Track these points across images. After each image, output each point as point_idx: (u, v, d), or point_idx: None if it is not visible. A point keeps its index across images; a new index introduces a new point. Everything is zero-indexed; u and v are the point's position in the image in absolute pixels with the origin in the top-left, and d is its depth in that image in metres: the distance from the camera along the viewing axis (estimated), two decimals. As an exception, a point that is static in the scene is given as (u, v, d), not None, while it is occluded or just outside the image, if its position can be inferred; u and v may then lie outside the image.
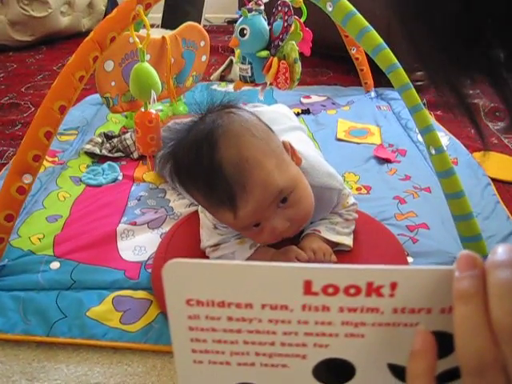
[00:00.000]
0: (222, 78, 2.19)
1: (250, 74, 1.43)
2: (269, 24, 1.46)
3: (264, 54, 1.36)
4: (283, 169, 0.81)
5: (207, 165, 0.76)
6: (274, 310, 0.38)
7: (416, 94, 0.99)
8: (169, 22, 2.57)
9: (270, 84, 1.39)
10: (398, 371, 0.41)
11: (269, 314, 0.39)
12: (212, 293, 0.38)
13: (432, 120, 1.16)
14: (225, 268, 0.37)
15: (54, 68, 2.50)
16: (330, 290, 0.37)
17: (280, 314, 0.39)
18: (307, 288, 0.37)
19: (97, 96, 1.72)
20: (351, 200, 0.99)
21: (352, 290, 0.37)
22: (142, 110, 1.18)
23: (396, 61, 1.01)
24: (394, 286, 0.37)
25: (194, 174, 0.78)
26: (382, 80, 2.01)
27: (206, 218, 0.94)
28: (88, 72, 0.98)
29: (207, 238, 0.94)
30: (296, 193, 0.81)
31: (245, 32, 1.38)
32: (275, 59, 1.34)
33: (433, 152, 0.97)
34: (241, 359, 0.42)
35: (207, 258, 0.94)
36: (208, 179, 0.77)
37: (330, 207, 0.95)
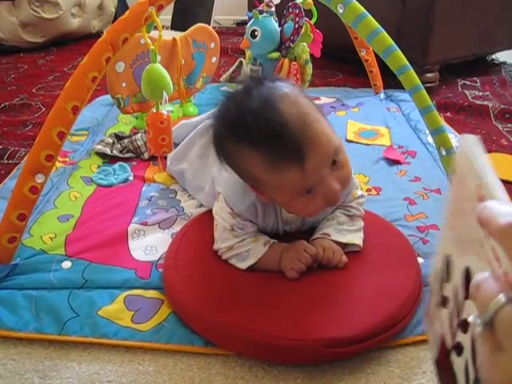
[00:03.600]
0: (232, 80, 2.19)
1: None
2: (280, 26, 1.47)
3: (275, 55, 1.37)
4: (332, 129, 0.85)
5: (275, 121, 0.78)
6: None
7: (427, 95, 0.99)
8: (178, 24, 2.58)
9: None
10: None
11: None
12: None
13: (442, 121, 1.16)
14: None
15: (65, 69, 2.52)
16: None
17: None
18: None
19: (108, 97, 1.73)
20: (359, 192, 1.01)
21: None
22: (154, 110, 1.18)
23: (407, 62, 1.02)
24: None
25: (263, 130, 0.79)
26: (391, 82, 2.01)
27: (222, 220, 0.94)
28: (100, 73, 0.98)
29: (222, 240, 0.94)
30: (342, 155, 0.85)
31: (256, 33, 1.39)
32: (286, 60, 1.34)
33: (443, 153, 0.98)
34: None
35: (218, 257, 0.94)
36: (277, 134, 0.78)
37: (344, 195, 0.96)
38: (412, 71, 1.00)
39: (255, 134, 0.80)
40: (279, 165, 0.80)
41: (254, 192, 0.91)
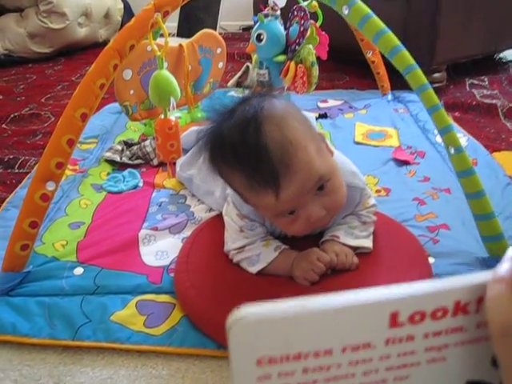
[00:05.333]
0: (239, 85, 2.20)
1: (267, 79, 1.44)
2: (285, 29, 1.47)
3: (281, 58, 1.37)
4: (322, 156, 0.82)
5: (253, 145, 0.76)
6: (356, 352, 0.36)
7: (434, 94, 0.99)
8: (184, 30, 2.60)
9: (288, 88, 1.40)
10: None
11: (349, 356, 0.36)
12: (287, 346, 0.35)
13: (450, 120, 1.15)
14: (303, 316, 0.34)
15: (73, 79, 2.54)
16: (417, 318, 0.35)
17: (361, 354, 0.36)
18: (393, 320, 0.35)
19: (116, 105, 1.74)
20: (372, 201, 0.99)
21: (439, 313, 0.35)
22: (162, 117, 1.19)
23: (413, 62, 1.01)
24: (480, 300, 0.36)
25: (240, 153, 0.78)
26: (398, 83, 2.00)
27: (231, 221, 0.95)
28: (108, 80, 0.99)
29: (232, 241, 0.94)
30: (332, 181, 0.82)
31: (261, 37, 1.39)
32: (292, 63, 1.35)
33: (452, 152, 0.97)
34: None
35: (229, 261, 0.95)
36: (253, 159, 0.76)
37: (353, 206, 0.96)
38: (419, 70, 1.00)
39: (232, 156, 0.80)
40: (255, 189, 0.79)
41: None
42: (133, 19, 1.02)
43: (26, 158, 1.59)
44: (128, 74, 1.46)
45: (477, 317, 0.36)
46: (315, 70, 1.33)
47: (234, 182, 0.85)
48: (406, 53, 1.01)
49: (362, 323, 0.35)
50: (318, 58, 1.46)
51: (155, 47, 1.15)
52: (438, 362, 0.38)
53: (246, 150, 0.77)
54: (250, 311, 0.33)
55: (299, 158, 0.77)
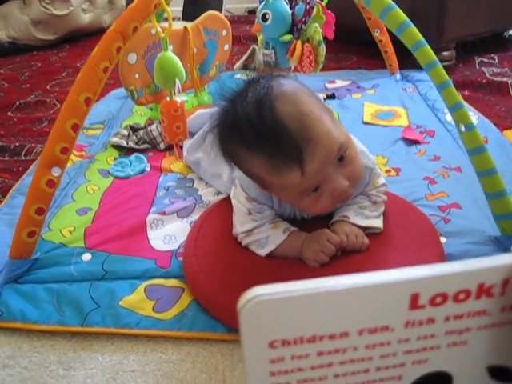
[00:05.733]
0: (246, 67, 2.17)
1: (273, 59, 1.42)
2: (291, 8, 1.45)
3: (287, 37, 1.35)
4: (337, 125, 0.82)
5: (271, 124, 0.75)
6: (373, 334, 0.35)
7: (443, 71, 0.97)
8: (189, 14, 2.57)
9: (295, 68, 1.38)
10: (497, 372, 0.39)
11: (366, 339, 0.35)
12: (301, 328, 0.34)
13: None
14: (318, 297, 0.33)
15: (78, 65, 2.52)
16: (438, 300, 0.34)
17: (379, 337, 0.35)
18: (413, 302, 0.33)
19: (121, 90, 1.73)
20: (381, 180, 0.97)
21: (461, 296, 0.34)
22: (168, 99, 1.18)
23: (422, 38, 0.99)
24: (505, 282, 0.34)
25: (258, 134, 0.77)
26: (406, 62, 1.98)
27: (239, 204, 0.93)
28: (112, 63, 0.98)
29: (241, 224, 0.93)
30: (350, 151, 0.82)
31: (267, 17, 1.37)
32: (299, 42, 1.32)
33: (463, 129, 0.95)
34: None
35: (238, 243, 0.94)
36: (273, 137, 0.75)
37: (362, 186, 0.94)
38: (427, 47, 0.98)
39: (251, 137, 0.78)
40: (279, 167, 0.78)
41: (270, 196, 0.90)
42: (135, 0, 1.00)
43: (32, 145, 1.59)
44: (133, 57, 1.44)
45: (502, 300, 0.35)
46: (322, 49, 1.30)
47: (253, 166, 0.82)
48: (414, 29, 0.99)
49: (381, 305, 0.33)
50: (325, 38, 1.44)
51: (159, 29, 1.14)
52: (459, 345, 0.37)
53: (264, 129, 0.76)
54: (262, 291, 0.32)
55: (318, 129, 0.76)
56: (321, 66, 1.34)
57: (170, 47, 1.17)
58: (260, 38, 1.54)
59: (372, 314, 0.34)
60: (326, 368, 0.36)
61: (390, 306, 0.34)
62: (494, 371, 0.39)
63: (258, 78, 0.83)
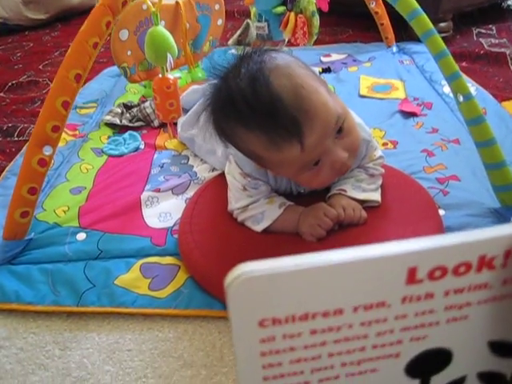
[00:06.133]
0: (240, 43, 2.14)
1: (267, 32, 1.40)
2: (283, -21, 1.42)
3: (280, 9, 1.32)
4: (333, 96, 0.80)
5: (267, 99, 0.74)
6: (369, 310, 0.33)
7: (441, 40, 0.95)
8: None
9: (288, 41, 1.36)
10: (498, 347, 0.38)
11: (361, 316, 0.34)
12: (292, 306, 0.32)
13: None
14: (310, 272, 0.31)
15: (70, 44, 2.45)
16: (437, 274, 0.32)
17: (375, 314, 0.33)
18: (411, 276, 0.32)
19: (114, 68, 1.71)
20: (378, 153, 0.96)
21: (462, 269, 0.32)
22: (160, 76, 1.15)
23: (418, 6, 0.97)
24: (508, 254, 0.32)
25: (255, 110, 0.75)
26: (403, 34, 1.96)
27: (234, 180, 0.92)
28: (102, 38, 0.95)
29: (236, 200, 0.92)
30: (347, 121, 0.81)
31: (259, -12, 1.34)
32: (292, 14, 1.30)
33: (461, 99, 0.94)
34: (323, 374, 0.37)
35: (234, 220, 0.92)
36: (270, 113, 0.74)
37: (359, 159, 0.93)
38: (424, 16, 0.96)
39: (247, 114, 0.76)
40: (277, 143, 0.76)
41: (265, 171, 0.89)
42: (124, -27, 0.97)
43: (25, 125, 1.57)
44: (124, 34, 1.41)
45: (503, 272, 0.33)
46: (316, 20, 1.28)
47: (250, 144, 0.81)
48: (410, -3, 0.97)
49: (376, 280, 0.32)
50: (320, 11, 1.41)
51: (149, 3, 1.11)
52: (459, 321, 0.36)
53: (260, 105, 0.74)
54: (250, 268, 0.30)
55: (315, 101, 0.75)
56: (315, 37, 1.31)
57: (162, 23, 1.15)
58: (253, 10, 1.51)
59: (367, 289, 0.32)
60: (319, 347, 0.35)
61: (386, 281, 0.32)
62: (495, 346, 0.38)
63: (250, 54, 0.82)
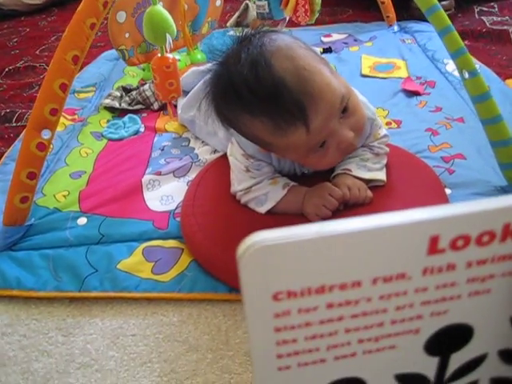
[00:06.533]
0: (239, 24, 2.11)
1: (267, 11, 1.37)
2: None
3: (281, -13, 1.30)
4: (336, 76, 0.79)
5: (269, 82, 0.73)
6: (388, 283, 0.31)
7: (445, 16, 0.93)
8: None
9: (289, 19, 1.33)
10: None
11: (381, 288, 0.32)
12: (308, 278, 0.30)
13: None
14: (326, 241, 0.29)
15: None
16: (460, 243, 0.30)
17: (395, 286, 0.32)
18: (432, 246, 0.30)
19: (112, 51, 1.69)
20: (383, 131, 0.94)
21: (485, 238, 0.30)
22: (159, 55, 1.13)
23: (422, -18, 0.95)
24: None
25: (258, 94, 0.74)
26: (404, 13, 1.93)
27: (237, 161, 0.90)
28: (99, 19, 0.93)
29: (238, 181, 0.90)
30: (352, 100, 0.79)
31: (259, -35, 1.32)
32: (293, -9, 1.28)
33: (466, 76, 0.92)
34: (339, 352, 0.35)
35: (237, 201, 0.91)
36: (273, 96, 0.73)
37: (364, 138, 0.91)
38: (428, -10, 0.94)
39: (250, 100, 0.75)
40: (283, 128, 0.75)
41: (268, 153, 0.88)
42: (120, -49, 0.95)
43: (23, 111, 1.56)
44: (122, 16, 1.39)
45: None
46: (317, -3, 1.25)
47: (255, 129, 0.79)
48: (413, -28, 0.95)
49: (397, 249, 0.30)
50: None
51: (147, -17, 1.09)
52: (482, 294, 0.34)
53: (263, 89, 0.73)
54: (264, 237, 0.29)
55: (318, 82, 0.74)
56: (317, 14, 1.29)
57: (160, 4, 1.12)
58: (252, -11, 1.49)
59: (387, 260, 0.31)
60: (336, 322, 0.33)
61: (406, 251, 0.30)
62: None
63: (249, 37, 0.80)
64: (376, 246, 0.30)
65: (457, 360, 0.38)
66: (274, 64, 0.73)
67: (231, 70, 0.77)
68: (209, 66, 0.84)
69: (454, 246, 0.30)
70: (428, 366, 0.38)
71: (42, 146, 0.91)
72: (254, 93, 0.74)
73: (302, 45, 0.79)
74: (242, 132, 0.84)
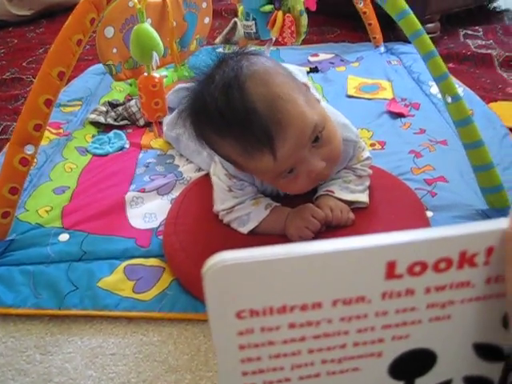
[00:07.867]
0: (227, 41, 2.12)
1: (254, 31, 1.38)
2: (271, -23, 1.41)
3: (268, 8, 1.30)
4: (312, 105, 0.78)
5: (240, 107, 0.72)
6: (348, 305, 0.32)
7: (429, 41, 0.94)
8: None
9: (276, 40, 1.34)
10: (483, 351, 0.37)
11: (341, 310, 0.32)
12: (270, 297, 0.31)
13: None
14: (288, 262, 0.30)
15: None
16: (417, 269, 0.31)
17: (355, 309, 0.32)
18: (390, 271, 0.31)
19: (100, 66, 1.68)
20: (366, 154, 0.95)
21: (442, 265, 0.31)
22: (145, 74, 1.14)
23: (407, 6, 0.97)
24: (490, 251, 0.31)
25: (227, 118, 0.74)
26: (391, 35, 1.95)
27: (219, 181, 0.90)
28: (86, 35, 0.93)
29: (221, 201, 0.90)
30: (326, 130, 0.79)
31: (246, -14, 1.33)
32: (280, 13, 1.28)
33: (449, 100, 0.93)
34: (304, 372, 0.35)
35: (219, 221, 0.91)
36: (242, 121, 0.72)
37: (346, 160, 0.92)
38: (413, 16, 0.95)
39: (220, 122, 0.75)
40: (250, 152, 0.75)
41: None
42: (108, -31, 0.96)
43: (8, 123, 1.55)
44: (110, 31, 1.39)
45: (486, 270, 0.32)
46: (304, 19, 1.26)
47: (225, 149, 0.80)
48: (399, -3, 0.96)
49: (355, 273, 0.31)
50: (308, 11, 1.39)
51: (135, 0, 1.09)
52: (442, 320, 0.34)
53: (233, 113, 0.73)
54: (228, 256, 0.30)
55: (290, 111, 0.73)
56: (303, 36, 1.30)
57: (148, 20, 1.13)
58: (240, 8, 1.50)
59: (346, 282, 0.31)
60: (298, 342, 0.34)
61: (365, 275, 0.31)
62: (481, 349, 0.37)
63: (227, 58, 0.80)
64: (335, 269, 0.31)
65: None
66: (248, 88, 0.73)
67: (204, 91, 0.77)
68: (194, 81, 0.84)
69: (411, 271, 0.31)
70: None
71: (25, 161, 0.90)
72: (224, 116, 0.74)
73: (280, 70, 0.79)
74: (216, 151, 0.84)
